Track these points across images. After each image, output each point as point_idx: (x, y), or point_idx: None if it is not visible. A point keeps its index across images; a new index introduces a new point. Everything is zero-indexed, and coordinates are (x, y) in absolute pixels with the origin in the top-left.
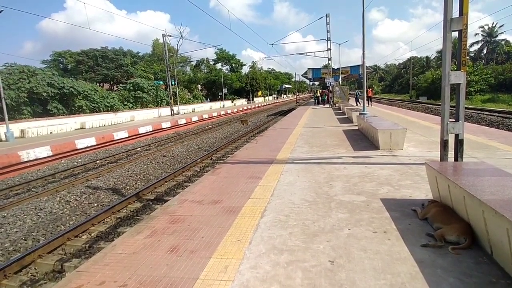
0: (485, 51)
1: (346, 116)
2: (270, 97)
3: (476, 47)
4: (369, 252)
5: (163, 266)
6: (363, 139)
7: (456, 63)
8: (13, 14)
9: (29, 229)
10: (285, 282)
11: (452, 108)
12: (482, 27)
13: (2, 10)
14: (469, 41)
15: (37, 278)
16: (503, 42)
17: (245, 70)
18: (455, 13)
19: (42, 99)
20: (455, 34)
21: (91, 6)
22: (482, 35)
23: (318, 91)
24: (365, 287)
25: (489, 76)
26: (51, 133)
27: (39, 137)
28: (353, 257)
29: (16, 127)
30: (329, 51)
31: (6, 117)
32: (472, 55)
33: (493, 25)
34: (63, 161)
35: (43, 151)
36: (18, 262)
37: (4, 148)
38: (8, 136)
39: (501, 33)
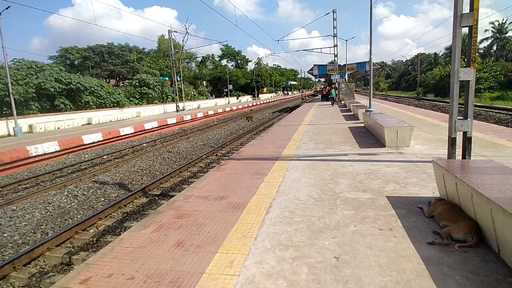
0: (494, 47)
1: (352, 113)
2: (275, 94)
3: (485, 43)
4: (375, 249)
5: (169, 260)
6: (369, 136)
7: (466, 59)
8: (21, 9)
9: (37, 222)
10: (290, 277)
11: (460, 106)
12: (492, 23)
13: (10, 6)
14: (479, 38)
15: (45, 270)
16: None
17: (251, 66)
18: (465, 9)
19: (49, 95)
20: (465, 30)
21: (99, 2)
22: (492, 31)
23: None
24: (370, 284)
25: (498, 73)
26: (58, 128)
27: (47, 132)
28: (359, 254)
29: (24, 122)
30: (335, 47)
31: (15, 112)
32: (481, 51)
33: (503, 22)
34: (70, 156)
35: (51, 146)
36: (27, 255)
37: (12, 143)
38: (16, 131)
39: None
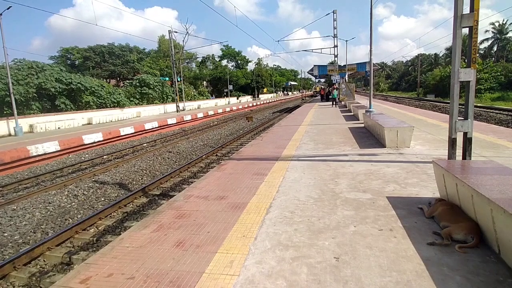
0: (495, 48)
1: (352, 113)
2: (275, 94)
3: (486, 44)
4: (375, 249)
5: (169, 259)
6: (369, 137)
7: (466, 60)
8: (22, 10)
9: (38, 222)
10: (290, 277)
11: (461, 106)
12: (493, 23)
13: (11, 6)
14: (479, 38)
15: (46, 270)
16: None
17: (251, 66)
18: (465, 9)
19: (50, 95)
20: (465, 31)
21: (100, 2)
22: (493, 32)
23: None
24: (370, 284)
25: (499, 74)
26: (59, 128)
27: (47, 132)
28: (359, 254)
29: (25, 122)
30: (335, 48)
31: (15, 112)
32: (482, 52)
33: (504, 22)
34: (70, 156)
35: (51, 146)
36: (27, 254)
37: (13, 143)
38: (17, 131)
39: None
